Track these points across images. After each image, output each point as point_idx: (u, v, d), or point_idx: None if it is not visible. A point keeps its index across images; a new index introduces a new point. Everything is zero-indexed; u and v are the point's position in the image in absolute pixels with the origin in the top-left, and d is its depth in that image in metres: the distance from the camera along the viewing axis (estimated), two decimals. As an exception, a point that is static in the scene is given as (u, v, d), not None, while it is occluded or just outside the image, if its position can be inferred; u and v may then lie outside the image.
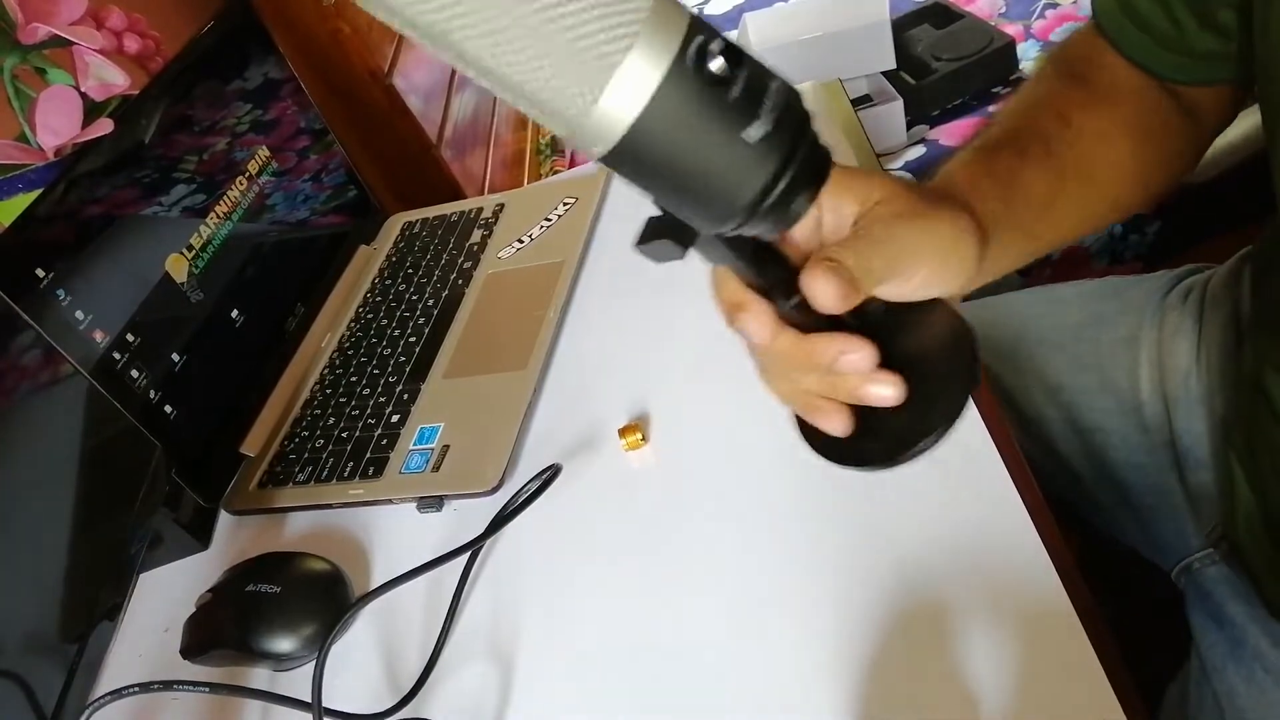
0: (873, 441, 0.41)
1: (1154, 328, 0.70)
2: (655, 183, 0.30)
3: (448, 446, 0.68)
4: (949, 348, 0.42)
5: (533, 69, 0.26)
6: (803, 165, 0.30)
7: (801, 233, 0.41)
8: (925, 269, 0.41)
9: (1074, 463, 0.73)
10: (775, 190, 0.30)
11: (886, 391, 0.39)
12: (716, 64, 0.27)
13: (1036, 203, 0.50)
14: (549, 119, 0.28)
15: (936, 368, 0.41)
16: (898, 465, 0.40)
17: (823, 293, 0.37)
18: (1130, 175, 0.56)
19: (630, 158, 0.28)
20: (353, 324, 0.85)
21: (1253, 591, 0.59)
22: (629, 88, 0.26)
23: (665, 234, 0.33)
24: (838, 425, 0.41)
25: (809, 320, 0.38)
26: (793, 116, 0.29)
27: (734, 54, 0.27)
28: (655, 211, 0.33)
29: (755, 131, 0.28)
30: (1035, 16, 1.76)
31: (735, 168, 0.29)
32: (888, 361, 0.39)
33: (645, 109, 0.27)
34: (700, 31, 0.27)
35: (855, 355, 0.38)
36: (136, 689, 0.51)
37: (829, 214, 0.41)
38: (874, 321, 0.41)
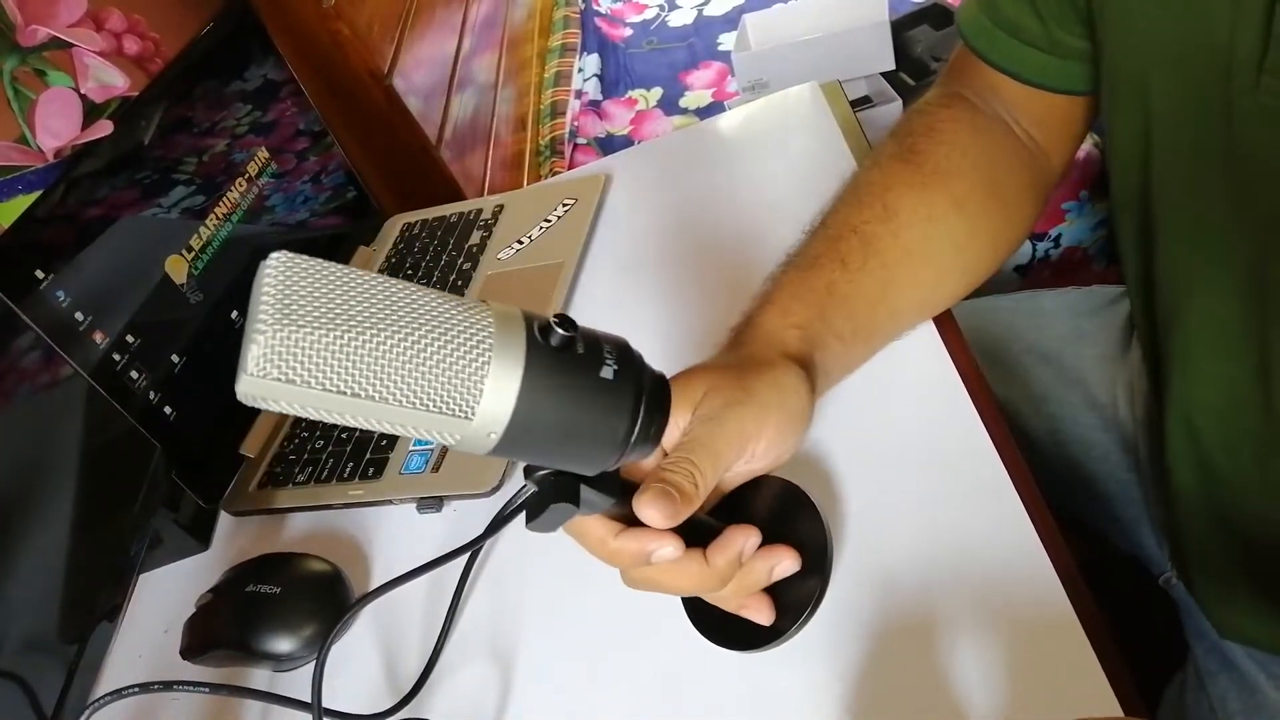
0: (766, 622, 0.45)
1: (1135, 347, 0.69)
2: (546, 444, 0.34)
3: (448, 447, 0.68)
4: (798, 511, 0.47)
5: (413, 419, 0.32)
6: (652, 389, 0.36)
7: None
8: (764, 439, 0.44)
9: (1058, 474, 0.73)
10: (639, 416, 0.35)
11: (789, 566, 0.44)
12: (557, 336, 0.33)
13: (864, 303, 0.51)
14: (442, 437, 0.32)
15: (798, 533, 0.46)
16: (794, 634, 0.45)
17: (655, 516, 0.40)
18: (971, 245, 0.56)
19: (521, 432, 0.32)
20: (352, 325, 0.84)
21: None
22: (501, 387, 0.31)
23: (550, 500, 0.38)
24: (765, 616, 0.45)
25: (686, 528, 0.42)
26: (630, 354, 0.35)
27: (566, 322, 0.33)
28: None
29: (607, 371, 0.34)
30: (1034, 17, 1.75)
31: (606, 405, 0.34)
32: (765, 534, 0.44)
33: (520, 390, 0.32)
34: (534, 319, 0.33)
35: (752, 544, 0.42)
36: (136, 689, 0.51)
37: (669, 428, 0.43)
38: (730, 505, 0.45)
